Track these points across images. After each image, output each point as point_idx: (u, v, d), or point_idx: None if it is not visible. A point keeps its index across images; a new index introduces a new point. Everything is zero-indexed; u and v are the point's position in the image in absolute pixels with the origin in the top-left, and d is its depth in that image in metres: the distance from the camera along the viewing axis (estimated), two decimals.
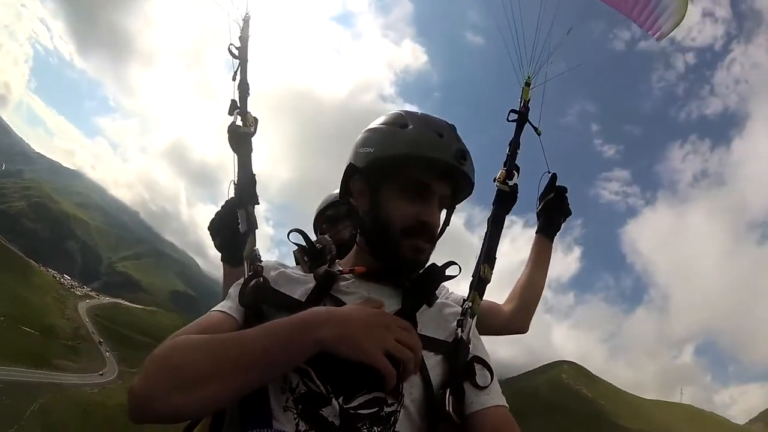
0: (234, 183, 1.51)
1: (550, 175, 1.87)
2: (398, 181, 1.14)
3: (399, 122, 1.16)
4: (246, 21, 1.67)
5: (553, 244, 1.89)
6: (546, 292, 1.89)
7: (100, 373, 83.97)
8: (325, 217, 2.12)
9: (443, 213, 1.21)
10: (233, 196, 1.54)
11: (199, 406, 0.89)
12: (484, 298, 1.34)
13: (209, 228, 1.69)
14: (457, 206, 1.27)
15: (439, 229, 1.19)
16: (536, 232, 1.91)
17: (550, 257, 1.88)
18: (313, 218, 2.23)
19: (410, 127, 1.14)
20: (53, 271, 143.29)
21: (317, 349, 0.90)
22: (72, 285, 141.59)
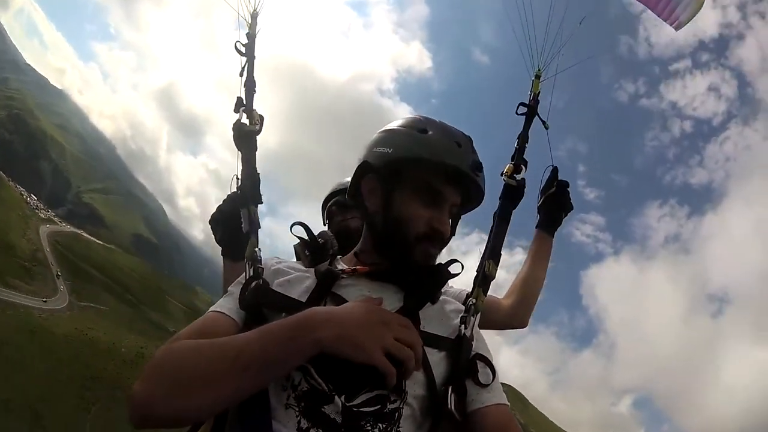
0: (237, 178, 1.52)
1: (551, 168, 1.84)
2: (412, 185, 1.15)
3: (418, 126, 1.16)
4: (254, 17, 1.66)
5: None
6: None
7: (44, 300, 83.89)
8: (336, 202, 2.09)
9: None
10: (236, 191, 1.56)
11: (199, 409, 0.89)
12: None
13: (210, 221, 1.72)
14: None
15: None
16: (536, 227, 1.88)
17: (550, 252, 1.86)
18: (321, 205, 2.20)
19: (430, 132, 1.15)
20: (21, 189, 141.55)
21: (317, 350, 0.90)
22: (38, 206, 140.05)
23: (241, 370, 0.88)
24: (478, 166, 1.17)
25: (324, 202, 2.19)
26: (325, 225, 2.18)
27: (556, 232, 1.89)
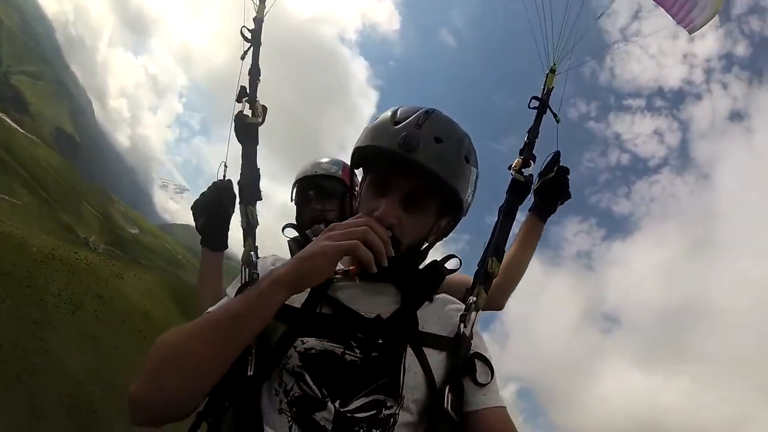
0: (225, 165, 1.52)
1: (554, 153, 1.72)
2: (368, 176, 1.13)
3: (377, 116, 1.12)
4: (263, 1, 1.61)
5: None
6: None
7: None
8: (316, 186, 1.99)
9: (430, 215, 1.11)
10: (222, 178, 1.55)
11: (185, 386, 0.89)
12: (457, 270, 1.19)
13: (192, 208, 1.66)
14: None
15: (429, 232, 1.13)
16: (530, 210, 1.77)
17: (539, 238, 1.77)
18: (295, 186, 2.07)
19: (379, 117, 1.10)
20: None
21: (275, 289, 0.91)
22: None
23: (211, 330, 0.90)
24: (409, 141, 1.01)
25: (300, 181, 2.05)
26: (292, 201, 2.09)
27: (548, 219, 1.77)
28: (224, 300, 1.13)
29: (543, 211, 1.77)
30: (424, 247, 1.18)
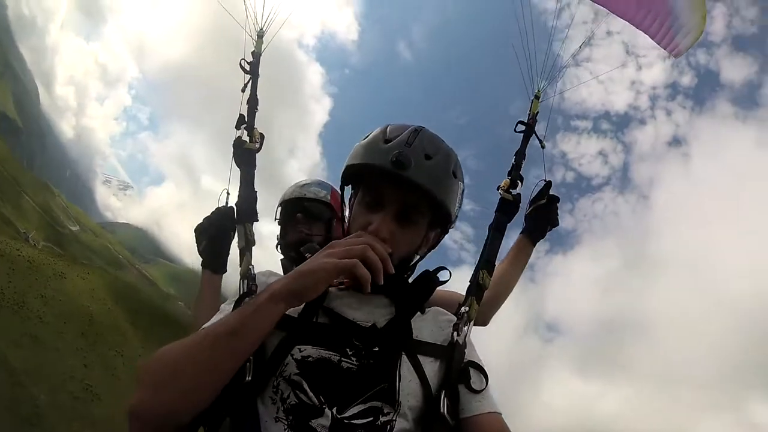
0: (227, 192, 1.60)
1: (545, 182, 1.84)
2: (358, 193, 1.18)
3: (366, 135, 1.16)
4: (260, 36, 1.70)
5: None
6: None
7: None
8: (304, 209, 2.04)
9: (423, 229, 1.16)
10: (224, 205, 1.63)
11: (185, 397, 0.90)
12: (444, 288, 1.26)
13: (195, 230, 1.73)
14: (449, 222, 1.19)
15: (420, 244, 1.17)
16: (521, 233, 1.86)
17: (528, 259, 1.85)
18: (279, 201, 2.14)
19: (368, 136, 1.15)
20: None
21: (273, 302, 0.94)
22: None
23: (209, 347, 0.91)
24: (401, 159, 1.05)
25: (287, 202, 2.10)
26: (276, 221, 2.16)
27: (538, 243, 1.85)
28: (219, 315, 1.13)
29: (533, 235, 1.85)
30: (415, 260, 1.21)
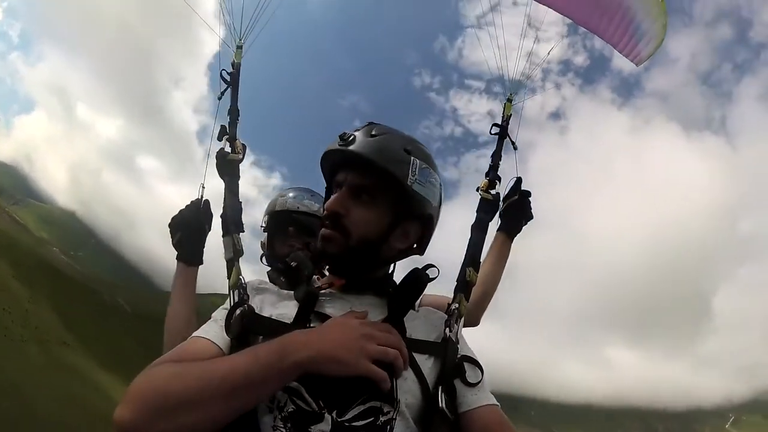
0: (203, 186, 1.65)
1: (516, 179, 1.90)
2: (329, 185, 1.25)
3: None
4: (239, 47, 1.72)
5: None
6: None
7: None
8: (296, 222, 2.07)
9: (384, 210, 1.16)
10: (199, 197, 1.68)
11: (194, 426, 0.88)
12: (431, 292, 1.31)
13: (170, 224, 1.73)
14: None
15: (387, 229, 1.16)
16: (498, 230, 1.91)
17: (508, 256, 1.91)
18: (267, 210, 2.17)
19: None
20: None
21: (298, 372, 0.93)
22: None
23: (225, 395, 0.89)
24: (345, 137, 1.13)
25: (279, 213, 2.12)
26: (262, 228, 2.18)
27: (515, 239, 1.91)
28: (214, 326, 1.12)
29: (510, 232, 1.91)
30: (391, 252, 1.20)
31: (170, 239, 1.75)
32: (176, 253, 1.75)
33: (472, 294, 1.59)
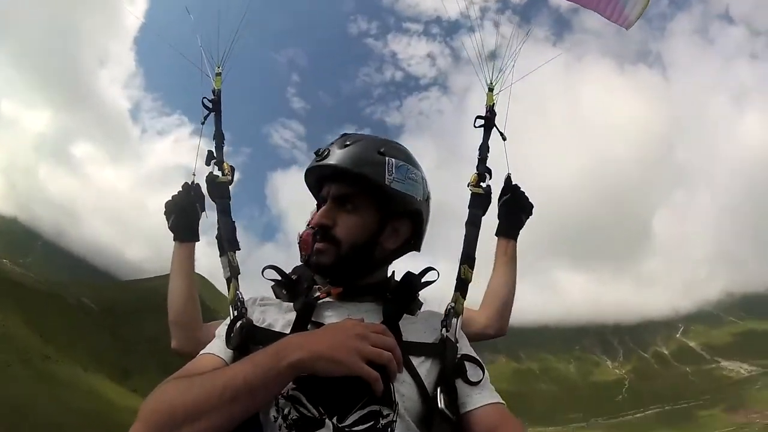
0: (194, 174, 1.71)
1: (505, 176, 1.86)
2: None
3: None
4: (219, 75, 1.78)
5: None
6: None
7: None
8: None
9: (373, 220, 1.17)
10: (190, 182, 1.74)
11: None
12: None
13: (164, 211, 1.78)
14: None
15: (376, 231, 1.18)
16: (498, 235, 1.87)
17: (516, 255, 1.86)
18: None
19: None
20: None
21: (294, 373, 0.93)
22: None
23: (228, 402, 0.90)
24: (321, 152, 1.17)
25: None
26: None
27: (518, 235, 1.87)
28: (219, 343, 1.14)
29: (511, 230, 1.87)
30: (384, 253, 1.21)
31: (166, 223, 1.80)
32: (173, 236, 1.79)
33: (493, 304, 1.75)
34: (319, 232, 1.16)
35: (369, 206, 1.18)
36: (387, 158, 1.16)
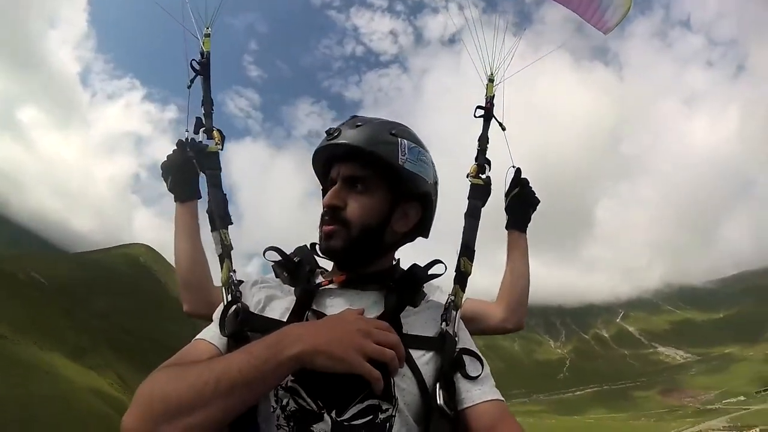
0: (187, 131, 1.58)
1: (515, 170, 1.83)
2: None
3: None
4: (207, 36, 1.67)
5: None
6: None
7: None
8: None
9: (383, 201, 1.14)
10: (185, 138, 1.59)
11: (196, 427, 0.86)
12: (475, 298, 1.28)
13: (161, 173, 1.67)
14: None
15: (387, 214, 1.14)
16: (508, 228, 1.85)
17: (527, 248, 1.84)
18: None
19: None
20: None
21: (293, 366, 0.89)
22: None
23: (223, 393, 0.86)
24: (332, 131, 1.14)
25: None
26: None
27: (527, 228, 1.85)
28: (215, 329, 1.07)
29: (521, 224, 1.84)
30: (395, 237, 1.18)
31: (164, 184, 1.68)
32: (173, 196, 1.68)
33: (509, 298, 1.74)
34: (328, 213, 1.13)
35: (380, 187, 1.14)
36: (399, 139, 1.15)
